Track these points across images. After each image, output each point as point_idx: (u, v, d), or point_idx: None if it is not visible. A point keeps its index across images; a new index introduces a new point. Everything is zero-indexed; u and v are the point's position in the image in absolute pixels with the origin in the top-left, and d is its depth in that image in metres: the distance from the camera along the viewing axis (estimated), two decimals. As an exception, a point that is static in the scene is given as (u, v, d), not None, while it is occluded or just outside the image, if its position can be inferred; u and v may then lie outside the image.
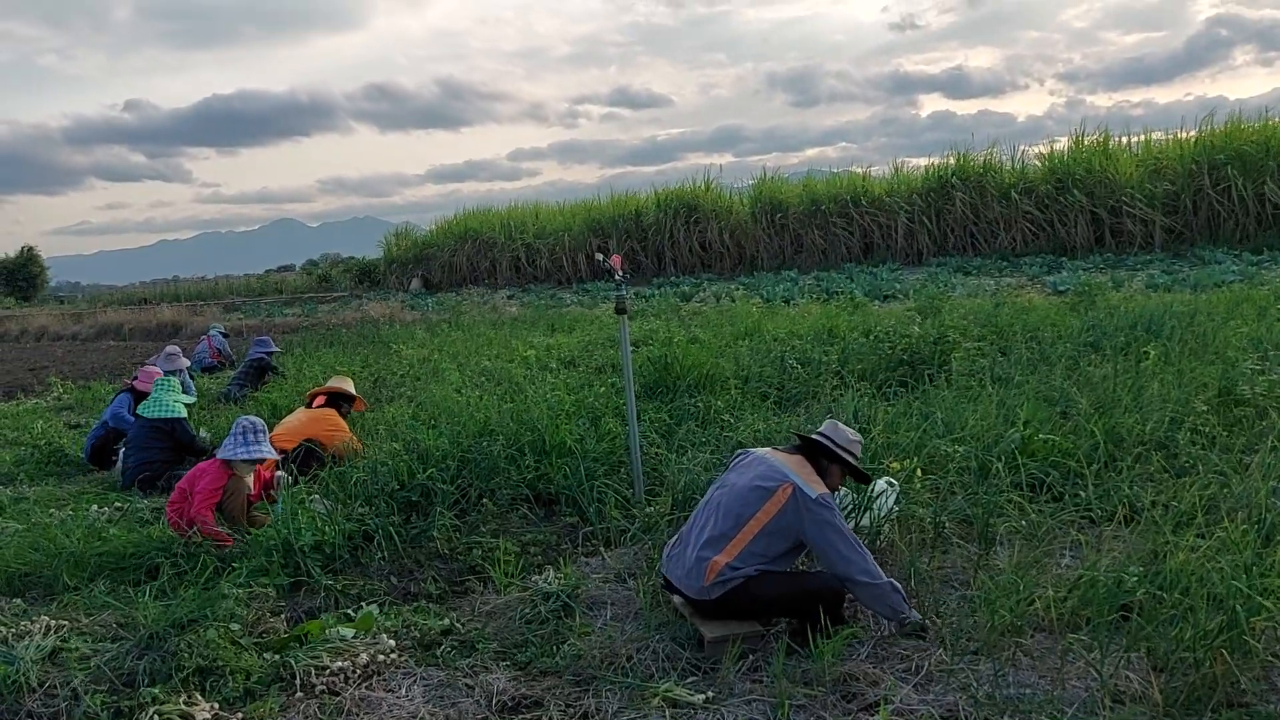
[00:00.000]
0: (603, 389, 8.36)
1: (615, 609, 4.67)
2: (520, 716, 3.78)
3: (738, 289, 21.17)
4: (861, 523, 5.01)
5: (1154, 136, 26.31)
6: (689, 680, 3.94)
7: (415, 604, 4.89)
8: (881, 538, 4.97)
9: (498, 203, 35.62)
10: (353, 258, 47.25)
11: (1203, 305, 10.94)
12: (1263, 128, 23.90)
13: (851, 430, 4.53)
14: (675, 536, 4.51)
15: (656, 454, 6.57)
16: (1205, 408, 6.27)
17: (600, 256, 6.03)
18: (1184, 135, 25.55)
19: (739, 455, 4.57)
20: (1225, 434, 5.88)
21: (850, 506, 5.05)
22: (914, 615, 4.11)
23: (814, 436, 4.47)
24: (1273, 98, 56.77)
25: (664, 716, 3.65)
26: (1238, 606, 3.35)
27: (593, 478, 6.15)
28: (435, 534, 5.64)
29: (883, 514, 5.02)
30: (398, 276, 35.58)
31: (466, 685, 4.01)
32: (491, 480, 6.29)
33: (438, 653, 4.32)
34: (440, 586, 5.16)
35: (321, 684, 4.00)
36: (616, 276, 5.86)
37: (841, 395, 7.81)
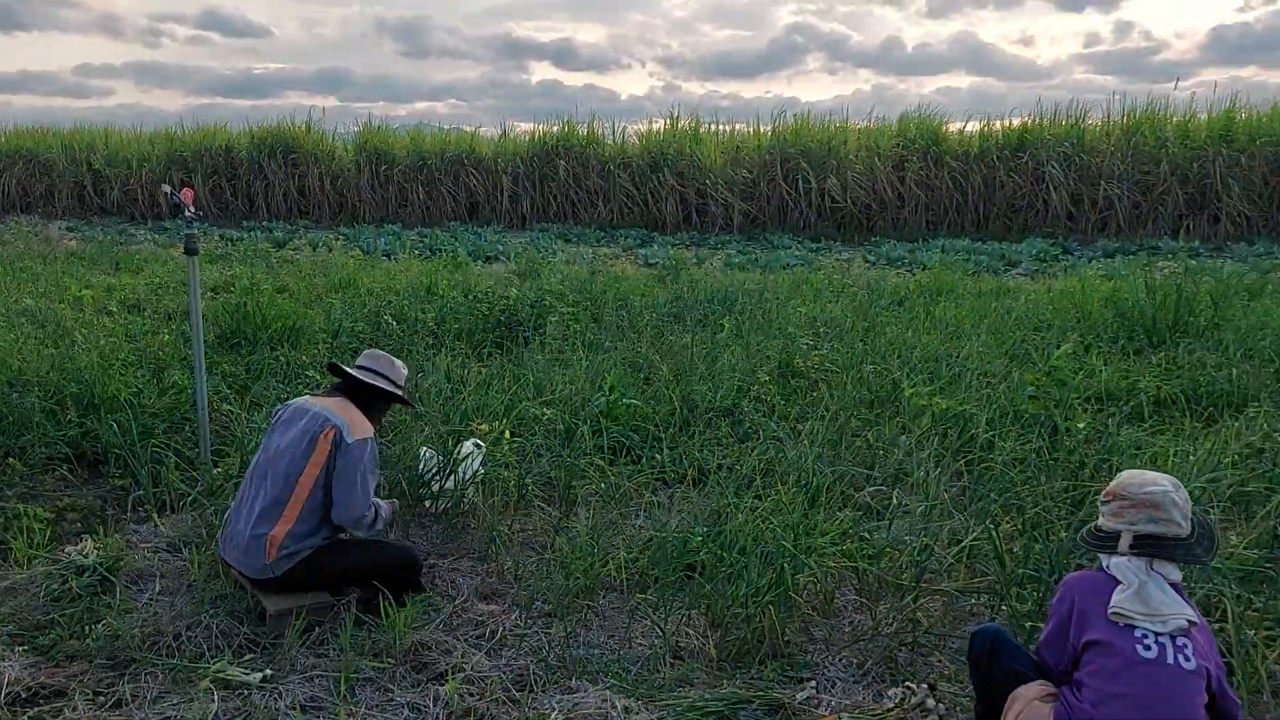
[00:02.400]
0: (169, 337, 7.54)
1: (166, 581, 4.18)
2: (38, 709, 3.24)
3: (337, 239, 20.22)
4: (446, 485, 4.88)
5: (737, 127, 28.63)
6: (246, 658, 3.60)
7: (-94, 583, 4.07)
8: (466, 500, 4.87)
9: (60, 121, 31.27)
10: None
11: (770, 285, 12.01)
12: (825, 129, 26.82)
13: (396, 359, 4.37)
14: (226, 515, 4.09)
15: (228, 411, 6.00)
16: (767, 378, 6.81)
17: (168, 189, 5.35)
18: (761, 129, 28.05)
19: (278, 411, 4.20)
20: (784, 403, 6.42)
21: (436, 469, 4.90)
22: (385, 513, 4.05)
23: (352, 371, 4.23)
24: (835, 104, 64.31)
25: (214, 700, 3.29)
26: (785, 565, 3.61)
27: (149, 435, 5.49)
28: (-59, 499, 4.75)
29: (468, 476, 4.92)
30: (-74, 195, 30.20)
31: (-33, 679, 3.37)
32: (22, 437, 5.42)
33: (-68, 641, 3.62)
34: (-55, 562, 4.34)
35: None
36: (187, 213, 5.24)
37: (436, 354, 7.64)
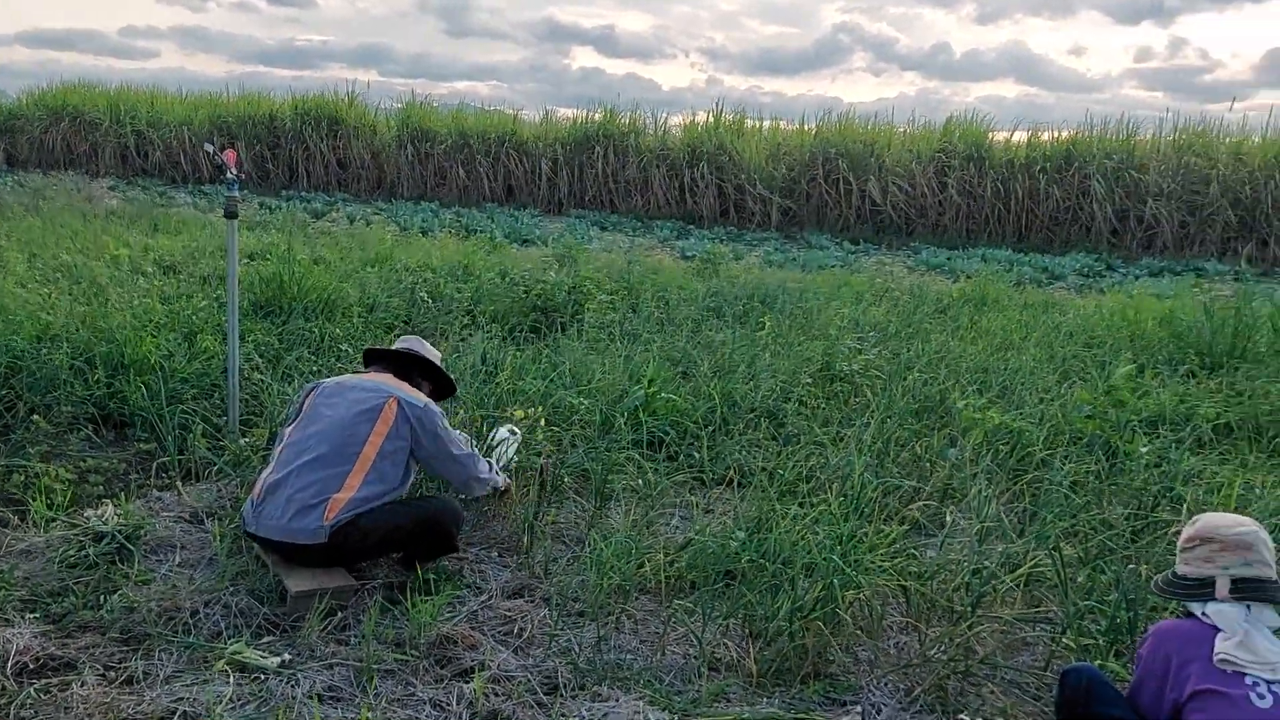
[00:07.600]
0: (204, 301, 7.42)
1: (186, 554, 4.04)
2: (45, 682, 3.10)
3: (375, 213, 20.14)
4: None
5: (780, 124, 28.29)
6: (264, 640, 3.45)
7: (-79, 539, 3.95)
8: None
9: (106, 81, 31.41)
10: (-87, 117, 39.69)
11: (810, 284, 11.76)
12: (869, 130, 26.47)
13: (428, 344, 4.54)
14: (259, 490, 3.91)
15: (259, 380, 5.87)
16: (809, 381, 6.60)
17: (210, 149, 5.22)
18: (806, 127, 27.72)
19: (312, 388, 4.14)
20: (825, 406, 6.21)
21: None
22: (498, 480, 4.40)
23: (400, 349, 4.39)
24: (880, 105, 63.69)
25: (229, 683, 3.14)
26: (835, 580, 3.42)
27: (178, 400, 5.37)
28: (-38, 453, 4.64)
29: (502, 463, 4.75)
30: (-29, 147, 30.46)
31: (-24, 644, 3.24)
32: (48, 394, 5.31)
33: (-57, 602, 3.49)
34: (-38, 518, 4.23)
35: None
36: (228, 174, 5.10)
37: (471, 335, 7.48)
